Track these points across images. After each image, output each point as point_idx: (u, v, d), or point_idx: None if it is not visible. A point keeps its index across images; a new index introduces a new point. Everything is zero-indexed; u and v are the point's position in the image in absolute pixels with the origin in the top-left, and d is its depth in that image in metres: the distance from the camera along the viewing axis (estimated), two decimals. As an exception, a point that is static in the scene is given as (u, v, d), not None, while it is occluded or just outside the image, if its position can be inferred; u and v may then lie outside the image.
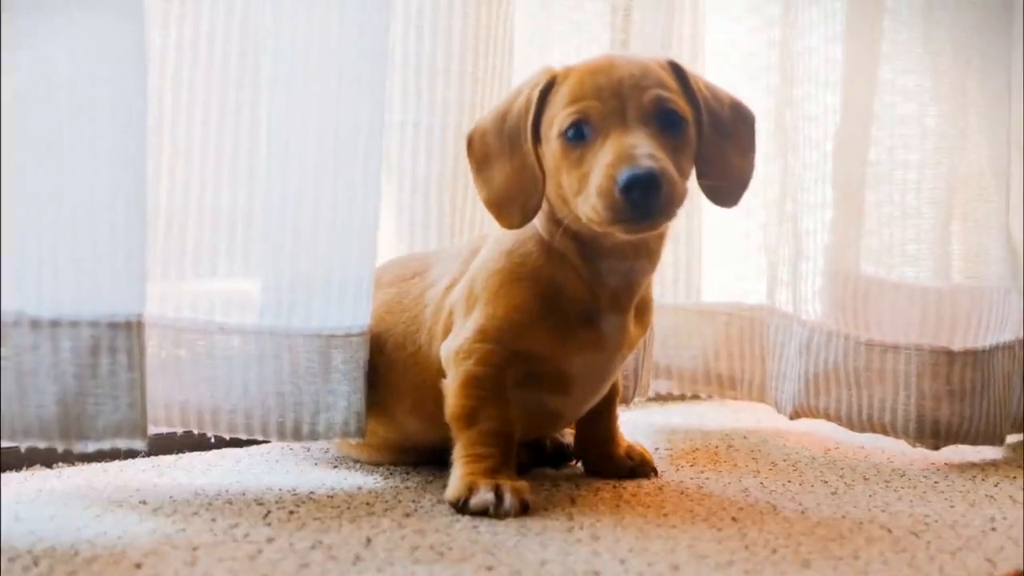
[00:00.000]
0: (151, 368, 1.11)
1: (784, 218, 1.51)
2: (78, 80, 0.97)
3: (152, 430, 1.19)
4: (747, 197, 1.23)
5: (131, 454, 1.22)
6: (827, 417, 1.43)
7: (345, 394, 1.13)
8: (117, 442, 0.99)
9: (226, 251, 1.14)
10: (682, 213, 1.05)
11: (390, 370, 1.17)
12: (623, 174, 0.97)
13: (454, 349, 1.09)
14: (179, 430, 1.15)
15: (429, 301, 1.17)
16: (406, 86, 1.34)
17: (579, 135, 1.03)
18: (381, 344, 1.17)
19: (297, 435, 1.13)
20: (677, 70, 1.09)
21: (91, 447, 0.98)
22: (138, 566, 0.85)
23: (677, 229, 1.12)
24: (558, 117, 1.04)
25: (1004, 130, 1.44)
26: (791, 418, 1.47)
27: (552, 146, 1.05)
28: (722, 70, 1.60)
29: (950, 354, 1.37)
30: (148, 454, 1.24)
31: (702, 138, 1.08)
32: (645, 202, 0.97)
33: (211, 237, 1.14)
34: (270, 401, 1.12)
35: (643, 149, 0.99)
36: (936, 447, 1.38)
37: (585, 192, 1.01)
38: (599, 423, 1.22)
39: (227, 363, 1.12)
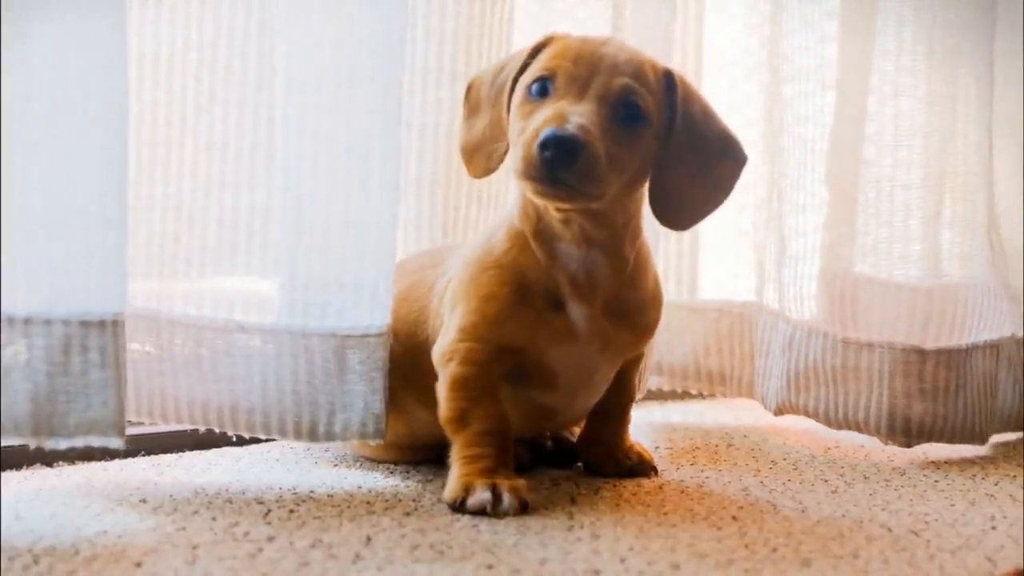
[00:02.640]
0: (175, 366, 1.12)
1: (772, 215, 1.51)
2: (57, 78, 0.96)
3: (174, 427, 1.20)
4: (739, 194, 1.23)
5: (131, 452, 1.22)
6: (806, 414, 1.43)
7: (362, 395, 1.13)
8: (90, 440, 0.98)
9: (245, 250, 1.14)
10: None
11: (401, 358, 1.16)
12: (545, 131, 0.97)
13: (440, 351, 1.10)
14: (201, 427, 1.15)
15: (437, 292, 1.17)
16: (399, 86, 1.34)
17: (542, 91, 1.04)
18: (395, 332, 1.17)
19: (313, 435, 1.13)
20: (668, 78, 1.08)
21: (63, 444, 0.98)
22: (138, 565, 0.85)
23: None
24: (529, 71, 1.06)
25: (987, 129, 1.43)
26: (775, 414, 1.47)
27: (516, 97, 1.06)
28: (721, 67, 1.60)
29: (922, 352, 1.36)
30: (148, 453, 1.24)
31: (668, 151, 1.06)
32: (555, 164, 0.97)
33: (231, 236, 1.14)
34: (287, 401, 1.12)
35: (577, 118, 0.99)
36: (908, 445, 1.37)
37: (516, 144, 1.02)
38: (608, 424, 1.22)
39: (246, 362, 1.12)
